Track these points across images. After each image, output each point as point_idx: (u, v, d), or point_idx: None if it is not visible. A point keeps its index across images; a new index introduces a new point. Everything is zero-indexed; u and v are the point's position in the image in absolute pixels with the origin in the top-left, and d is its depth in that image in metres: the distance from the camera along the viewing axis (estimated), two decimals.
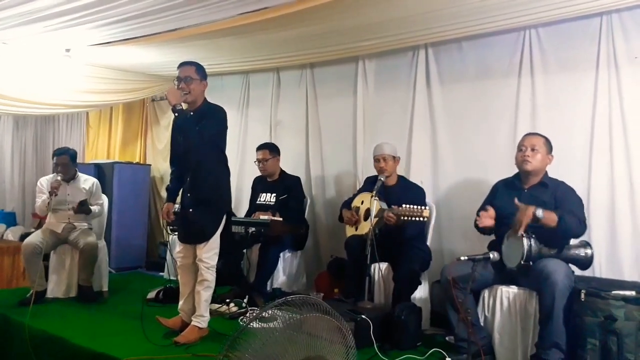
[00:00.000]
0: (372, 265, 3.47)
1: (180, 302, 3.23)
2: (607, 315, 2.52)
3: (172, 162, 3.35)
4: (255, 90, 5.49)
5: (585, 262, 2.87)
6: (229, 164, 3.31)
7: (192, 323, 3.07)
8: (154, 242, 6.24)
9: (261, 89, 5.40)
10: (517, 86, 3.77)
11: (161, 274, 5.38)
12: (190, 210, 3.13)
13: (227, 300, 3.75)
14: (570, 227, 2.80)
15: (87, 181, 4.32)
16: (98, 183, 4.40)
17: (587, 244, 2.88)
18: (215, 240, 3.08)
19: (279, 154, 4.47)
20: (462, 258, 2.71)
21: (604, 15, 3.41)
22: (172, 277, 4.96)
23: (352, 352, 2.04)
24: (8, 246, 5.13)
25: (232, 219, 3.59)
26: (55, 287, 4.13)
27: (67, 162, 4.16)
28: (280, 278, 4.26)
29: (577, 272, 2.93)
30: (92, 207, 4.20)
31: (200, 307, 3.08)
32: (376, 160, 3.76)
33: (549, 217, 2.76)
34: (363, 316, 3.02)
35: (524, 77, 3.75)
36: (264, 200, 4.42)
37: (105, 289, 4.33)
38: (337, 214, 4.07)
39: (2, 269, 4.90)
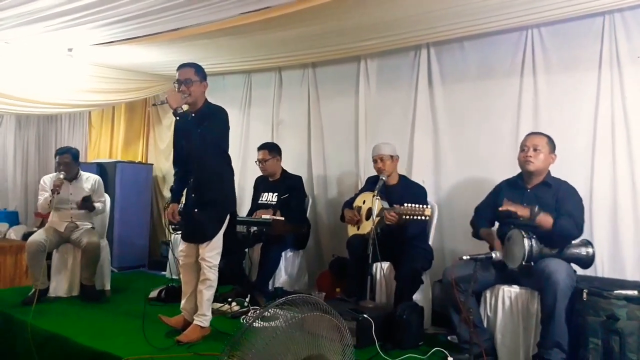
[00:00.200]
0: (374, 265, 3.47)
1: (183, 301, 3.23)
2: (609, 314, 2.51)
3: (176, 163, 3.35)
4: (257, 89, 5.49)
5: (587, 261, 2.87)
6: (232, 164, 3.31)
7: (195, 322, 3.07)
8: (156, 241, 6.25)
9: (263, 89, 5.40)
10: (519, 86, 3.77)
11: (163, 273, 5.38)
12: (195, 210, 3.13)
13: (229, 299, 3.76)
14: (565, 230, 2.81)
15: (89, 179, 4.33)
16: (100, 180, 4.41)
17: (588, 243, 2.88)
18: (218, 239, 3.08)
19: (279, 154, 4.47)
20: (464, 258, 2.71)
21: (606, 15, 3.41)
22: (174, 276, 4.97)
23: (350, 349, 2.04)
24: (11, 245, 5.15)
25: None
26: (58, 286, 4.14)
27: (69, 161, 4.16)
28: (282, 277, 4.26)
29: (580, 271, 2.93)
30: (95, 204, 4.21)
31: (202, 306, 3.08)
32: (374, 160, 3.77)
33: (545, 219, 2.78)
34: (365, 315, 3.02)
35: (526, 76, 3.74)
36: (266, 200, 4.43)
37: (108, 288, 4.34)
38: (339, 213, 4.07)
39: (4, 268, 4.91)
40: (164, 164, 6.38)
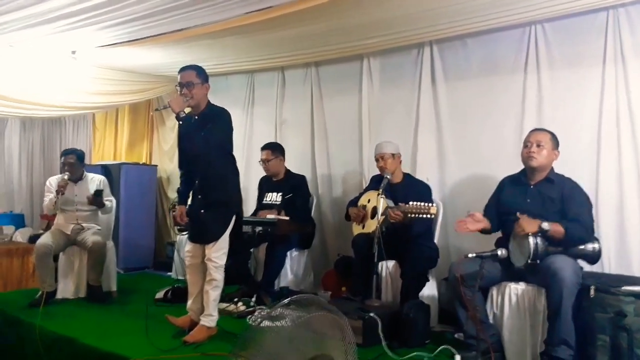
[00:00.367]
0: (380, 263, 3.47)
1: (189, 302, 3.24)
2: (616, 311, 2.50)
3: (181, 166, 3.37)
4: (260, 89, 5.49)
5: (594, 257, 2.86)
6: (236, 164, 3.31)
7: (201, 322, 3.08)
8: (161, 242, 6.27)
9: (266, 88, 5.40)
10: (523, 82, 3.76)
11: (169, 273, 5.40)
12: (202, 211, 3.14)
13: (235, 299, 3.77)
14: (576, 237, 2.80)
15: (94, 179, 4.34)
16: (106, 180, 4.43)
17: (594, 239, 2.87)
18: (225, 240, 3.09)
19: (282, 154, 4.48)
20: (470, 255, 2.71)
21: (610, 10, 3.39)
22: (179, 277, 5.00)
23: (353, 348, 2.05)
24: (17, 247, 5.17)
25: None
26: (65, 288, 4.16)
27: (74, 162, 4.18)
28: (287, 277, 4.27)
29: (586, 267, 2.92)
30: (104, 201, 4.23)
31: (209, 307, 3.09)
32: (376, 159, 3.78)
33: (556, 230, 2.76)
34: (371, 314, 3.02)
35: (530, 73, 3.73)
36: (270, 200, 4.43)
37: (114, 289, 4.36)
38: (344, 212, 4.08)
39: (12, 271, 4.93)
40: (168, 165, 6.40)
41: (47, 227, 5.49)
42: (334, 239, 4.77)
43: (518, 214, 2.86)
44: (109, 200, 4.34)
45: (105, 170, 5.76)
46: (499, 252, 2.75)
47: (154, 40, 4.26)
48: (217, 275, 3.07)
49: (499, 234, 3.19)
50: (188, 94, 3.07)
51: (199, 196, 3.19)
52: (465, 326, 2.91)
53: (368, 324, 2.98)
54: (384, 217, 3.40)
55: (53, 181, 4.21)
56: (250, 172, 5.23)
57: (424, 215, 3.20)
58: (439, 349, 2.94)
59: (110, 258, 4.32)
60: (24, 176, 8.03)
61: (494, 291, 2.99)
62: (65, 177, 4.09)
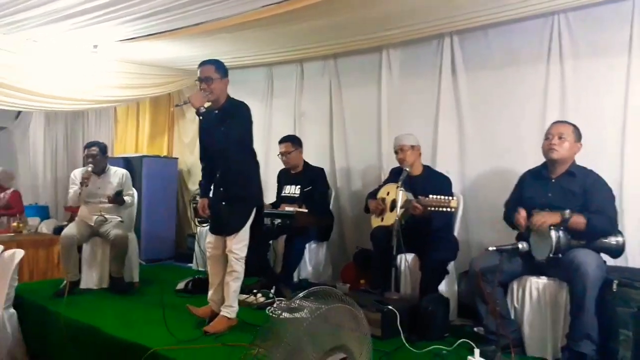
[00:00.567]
0: (399, 256, 3.46)
1: (210, 292, 3.28)
2: None
3: (202, 159, 3.40)
4: (279, 82, 5.50)
5: (617, 251, 2.81)
6: (257, 157, 3.33)
7: (221, 313, 3.12)
8: (182, 234, 6.35)
9: (285, 81, 5.41)
10: (545, 73, 3.70)
11: (190, 265, 5.48)
12: (223, 203, 3.17)
13: (255, 291, 3.80)
14: (599, 228, 2.75)
15: (117, 173, 4.41)
16: (128, 174, 4.49)
17: (618, 232, 2.83)
18: (245, 232, 3.11)
19: (301, 146, 4.49)
20: (490, 249, 2.69)
21: None
22: (200, 268, 5.07)
23: (368, 339, 2.07)
24: (43, 239, 5.28)
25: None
26: (88, 278, 4.24)
27: (96, 153, 4.25)
28: (306, 269, 4.30)
29: (610, 261, 2.88)
30: (124, 198, 4.30)
31: (229, 298, 3.12)
32: (395, 152, 3.76)
33: (577, 221, 2.72)
34: (390, 307, 3.02)
35: (553, 63, 3.66)
36: (289, 193, 4.45)
37: (136, 280, 4.44)
38: (362, 205, 4.07)
39: (37, 261, 5.04)
40: (188, 158, 6.46)
41: (71, 219, 5.59)
42: (353, 231, 4.77)
43: (535, 212, 2.82)
44: (129, 195, 4.40)
45: (126, 162, 5.84)
46: (520, 246, 2.72)
47: (174, 34, 4.30)
48: (238, 267, 3.10)
49: None
50: (207, 89, 3.09)
51: (221, 189, 3.22)
52: (485, 320, 2.89)
53: (387, 316, 2.98)
54: (403, 210, 3.38)
55: (77, 173, 4.29)
56: (269, 164, 5.25)
57: (444, 209, 3.17)
58: (458, 342, 2.92)
59: (133, 249, 4.39)
60: (48, 169, 8.18)
61: (515, 285, 2.96)
62: (89, 169, 4.16)
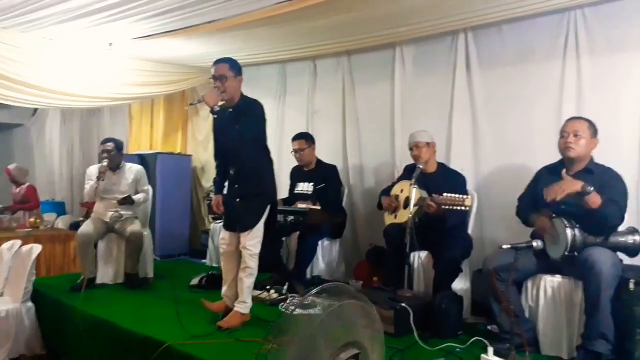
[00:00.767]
0: (412, 254, 3.45)
1: (224, 288, 3.30)
2: None
3: (216, 156, 3.42)
4: (292, 79, 5.51)
5: (634, 250, 2.77)
6: (270, 155, 3.34)
7: (235, 309, 3.14)
8: (196, 230, 6.40)
9: (298, 78, 5.41)
10: (561, 69, 3.66)
11: (203, 261, 5.52)
12: (237, 200, 3.19)
13: (268, 287, 3.82)
14: (610, 215, 2.69)
15: (131, 169, 4.44)
16: (143, 170, 4.52)
17: (634, 231, 2.78)
18: (259, 228, 3.13)
19: (314, 143, 4.49)
20: (504, 247, 2.66)
21: None
22: (214, 264, 5.10)
23: (380, 335, 2.08)
24: (59, 234, 5.36)
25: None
26: (104, 274, 4.30)
27: (112, 149, 4.29)
28: (319, 266, 4.31)
29: (626, 260, 2.84)
30: (137, 196, 4.33)
31: (243, 294, 3.14)
32: (410, 148, 3.74)
33: (594, 199, 2.64)
34: (403, 304, 3.02)
35: (569, 59, 3.63)
36: (302, 190, 4.46)
37: (151, 275, 4.48)
38: (375, 202, 4.07)
39: (54, 256, 5.11)
40: (202, 155, 6.50)
41: (87, 215, 5.66)
42: (365, 229, 4.76)
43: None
44: (144, 191, 4.43)
45: (141, 159, 5.89)
46: (535, 244, 2.69)
47: (188, 31, 4.33)
48: (252, 263, 3.11)
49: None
50: (221, 87, 3.10)
51: (235, 186, 3.24)
52: (498, 318, 2.87)
53: (400, 314, 2.97)
54: (417, 207, 3.37)
55: (93, 169, 4.33)
56: (282, 161, 5.26)
57: (459, 207, 3.15)
58: (471, 340, 2.90)
59: (147, 245, 4.43)
60: (64, 166, 8.29)
61: (529, 283, 2.94)
62: (105, 163, 4.20)
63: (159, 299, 3.78)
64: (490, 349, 2.48)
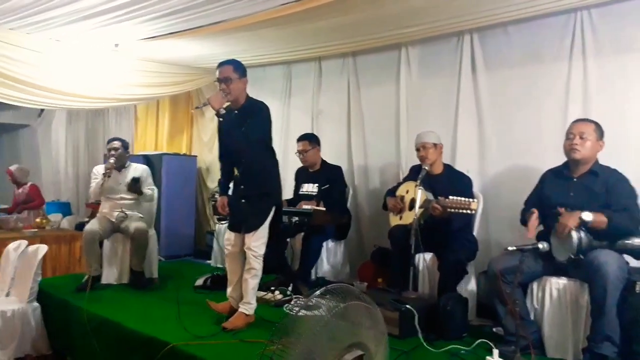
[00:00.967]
0: (417, 255, 3.44)
1: (229, 289, 3.31)
2: None
3: (221, 158, 3.43)
4: (297, 80, 5.51)
5: None
6: (276, 156, 3.35)
7: (240, 310, 3.14)
8: (201, 231, 6.41)
9: (303, 79, 5.42)
10: (567, 70, 3.65)
11: (208, 261, 5.53)
12: (242, 201, 3.20)
13: (272, 288, 3.82)
14: (621, 227, 2.70)
15: (137, 169, 4.45)
16: (148, 170, 4.54)
17: None
18: (264, 229, 3.13)
19: (319, 144, 4.49)
20: (510, 249, 2.66)
21: None
22: (218, 265, 5.11)
23: (385, 337, 2.08)
24: (65, 234, 5.38)
25: None
26: (109, 274, 4.31)
27: (118, 147, 4.31)
28: (324, 267, 4.30)
29: (632, 262, 2.82)
30: (144, 190, 4.32)
31: (247, 295, 3.14)
32: (417, 149, 3.72)
33: (598, 220, 2.67)
34: (408, 306, 3.01)
35: (575, 60, 3.61)
36: (306, 191, 4.46)
37: (156, 276, 4.49)
38: (380, 203, 4.06)
39: (60, 256, 5.14)
40: (207, 156, 6.51)
41: (92, 215, 5.69)
42: (370, 230, 4.76)
43: (558, 208, 2.78)
44: (151, 189, 4.44)
45: (146, 160, 5.90)
46: (541, 246, 2.69)
47: (194, 32, 4.34)
48: (256, 264, 3.12)
49: (540, 227, 3.11)
50: (226, 89, 3.10)
51: (240, 187, 3.24)
52: (504, 321, 2.87)
53: (404, 315, 2.97)
54: (422, 209, 3.36)
55: (99, 169, 4.35)
56: (287, 162, 5.26)
57: (464, 211, 3.14)
58: (477, 342, 2.90)
59: (152, 246, 4.44)
60: (70, 166, 8.32)
61: (535, 286, 2.93)
62: (111, 160, 4.21)
63: (164, 300, 3.78)
64: (496, 351, 2.48)
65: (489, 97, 4.06)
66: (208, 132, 6.50)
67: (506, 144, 3.96)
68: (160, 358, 2.75)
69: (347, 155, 4.99)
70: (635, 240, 2.74)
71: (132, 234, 4.19)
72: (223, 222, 4.90)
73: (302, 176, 4.60)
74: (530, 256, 2.77)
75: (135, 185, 4.24)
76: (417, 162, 3.77)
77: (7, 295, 3.87)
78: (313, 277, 4.21)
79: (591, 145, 2.89)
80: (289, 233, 4.24)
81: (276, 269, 4.12)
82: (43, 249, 3.78)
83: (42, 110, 8.35)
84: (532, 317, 2.91)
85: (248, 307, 3.15)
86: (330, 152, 4.73)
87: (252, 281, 3.14)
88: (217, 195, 4.02)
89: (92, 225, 4.20)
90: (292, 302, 3.62)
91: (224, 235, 3.44)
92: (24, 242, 4.00)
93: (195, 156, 6.56)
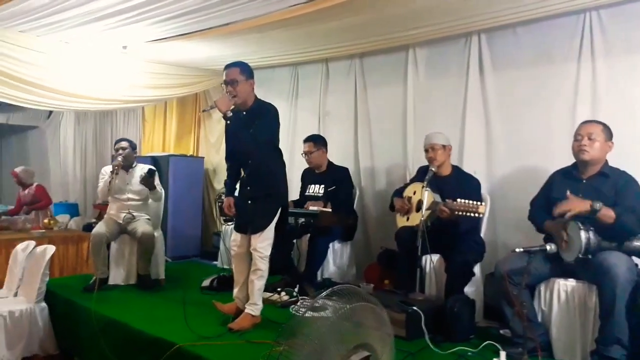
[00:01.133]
0: (424, 257, 3.43)
1: (235, 290, 3.31)
2: None
3: (228, 158, 3.43)
4: (304, 81, 5.52)
5: None
6: (283, 157, 3.35)
7: (246, 311, 3.14)
8: (208, 232, 6.42)
9: (310, 80, 5.42)
10: (576, 71, 3.63)
11: (215, 262, 5.54)
12: (249, 202, 3.20)
13: (279, 289, 3.82)
14: (627, 226, 2.67)
15: (144, 169, 4.44)
16: (155, 171, 4.53)
17: None
18: (270, 231, 3.13)
19: (325, 146, 4.48)
20: (517, 250, 2.64)
21: None
22: (225, 266, 5.12)
23: (391, 338, 2.08)
24: (72, 235, 5.41)
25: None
26: (116, 275, 4.32)
27: (126, 147, 4.32)
28: (330, 268, 4.30)
29: None
30: (155, 184, 4.30)
31: (253, 296, 3.14)
32: (425, 150, 3.70)
33: (606, 214, 2.65)
34: (414, 308, 3.00)
35: (584, 61, 3.59)
36: (313, 192, 4.46)
37: (162, 277, 4.50)
38: (387, 205, 4.05)
39: (67, 257, 5.16)
40: (214, 157, 6.53)
41: (100, 216, 5.72)
42: (377, 231, 4.75)
43: (568, 192, 2.75)
44: (159, 185, 4.43)
45: (154, 161, 5.93)
46: (548, 247, 2.67)
47: (201, 34, 4.35)
48: (262, 265, 3.12)
49: None
50: (233, 91, 3.11)
51: (247, 187, 3.25)
52: (511, 323, 2.85)
53: (411, 317, 2.96)
54: (429, 211, 3.35)
55: (107, 169, 4.36)
56: (293, 163, 5.27)
57: (472, 214, 3.12)
58: (484, 344, 2.88)
59: (159, 247, 4.45)
60: (77, 167, 8.38)
61: (542, 287, 2.91)
62: (119, 159, 4.22)
63: (170, 301, 3.79)
64: (503, 354, 2.46)
65: (497, 98, 4.05)
66: (215, 133, 6.52)
67: (514, 145, 3.94)
68: (166, 358, 2.75)
69: (353, 156, 4.99)
70: None
71: (139, 238, 4.20)
72: (229, 223, 4.91)
73: (308, 177, 4.60)
74: (538, 258, 2.75)
75: (149, 179, 4.20)
76: (425, 163, 3.75)
77: (15, 295, 3.90)
78: (319, 278, 4.21)
79: (600, 146, 2.87)
80: (295, 234, 4.25)
81: (282, 270, 4.13)
82: (51, 249, 3.80)
83: (50, 112, 8.42)
84: (539, 319, 2.89)
85: (254, 308, 3.15)
86: (337, 153, 4.73)
87: (258, 282, 3.14)
88: (223, 197, 4.03)
89: (100, 228, 4.21)
90: (299, 303, 3.62)
91: (231, 237, 3.45)
92: (32, 243, 4.03)
93: (203, 158, 6.58)
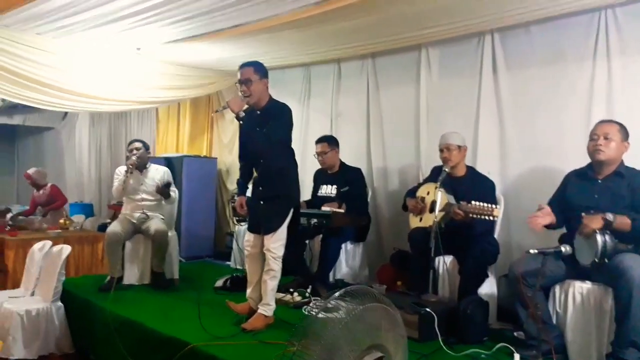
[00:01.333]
0: (437, 258, 3.42)
1: (248, 290, 3.32)
2: None
3: (241, 158, 3.44)
4: (317, 81, 5.52)
5: None
6: (295, 157, 3.36)
7: (259, 311, 3.15)
8: (221, 233, 6.46)
9: (322, 81, 5.42)
10: (591, 70, 3.59)
11: (228, 263, 5.57)
12: (261, 202, 3.22)
13: (291, 290, 3.83)
14: None
15: (158, 170, 4.50)
16: (169, 171, 4.58)
17: None
18: (283, 231, 3.14)
19: (337, 146, 4.48)
20: (532, 251, 2.62)
21: None
22: (238, 266, 5.14)
23: (404, 340, 2.08)
24: (88, 235, 5.47)
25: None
26: (130, 275, 4.36)
27: (140, 147, 4.36)
28: (342, 269, 4.30)
29: None
30: (173, 193, 4.38)
31: (266, 296, 3.15)
32: (440, 150, 3.67)
33: (622, 222, 2.62)
34: (427, 309, 2.99)
35: (599, 60, 3.55)
36: (325, 193, 4.46)
37: (176, 276, 4.53)
38: (399, 206, 4.04)
39: (82, 257, 5.23)
40: (227, 158, 6.57)
41: (114, 217, 5.77)
42: (389, 232, 4.73)
43: (583, 214, 2.73)
44: (173, 191, 4.49)
45: (167, 162, 5.98)
46: (563, 249, 2.64)
47: (215, 35, 4.38)
48: (275, 265, 3.13)
49: (562, 230, 3.06)
50: (247, 91, 3.13)
51: (260, 188, 3.26)
52: (525, 325, 2.82)
53: (424, 319, 2.95)
54: (443, 212, 3.32)
55: (122, 169, 4.39)
56: (305, 163, 5.27)
57: (487, 217, 3.09)
58: (497, 346, 2.87)
59: (173, 247, 4.49)
60: (92, 168, 8.47)
61: (557, 289, 2.88)
62: (134, 158, 4.27)
63: (184, 300, 3.82)
64: (517, 356, 2.45)
65: (511, 98, 4.02)
66: (228, 134, 6.56)
67: (528, 145, 3.90)
68: (180, 358, 2.77)
69: (366, 156, 4.98)
70: None
71: (152, 235, 4.23)
72: (243, 223, 4.93)
73: (320, 178, 4.60)
74: (553, 259, 2.72)
75: (165, 190, 4.30)
76: (438, 163, 3.73)
77: (32, 294, 3.96)
78: (331, 279, 4.21)
79: (616, 146, 2.84)
80: (307, 235, 4.24)
81: (295, 270, 4.13)
82: (67, 249, 3.85)
83: (66, 113, 8.53)
84: (554, 322, 2.86)
85: (267, 308, 3.16)
86: (349, 154, 4.73)
87: (271, 282, 3.15)
88: (236, 197, 4.05)
89: (114, 228, 4.26)
90: (311, 304, 3.62)
91: (244, 237, 3.46)
92: (49, 243, 4.09)
93: (216, 158, 6.62)
